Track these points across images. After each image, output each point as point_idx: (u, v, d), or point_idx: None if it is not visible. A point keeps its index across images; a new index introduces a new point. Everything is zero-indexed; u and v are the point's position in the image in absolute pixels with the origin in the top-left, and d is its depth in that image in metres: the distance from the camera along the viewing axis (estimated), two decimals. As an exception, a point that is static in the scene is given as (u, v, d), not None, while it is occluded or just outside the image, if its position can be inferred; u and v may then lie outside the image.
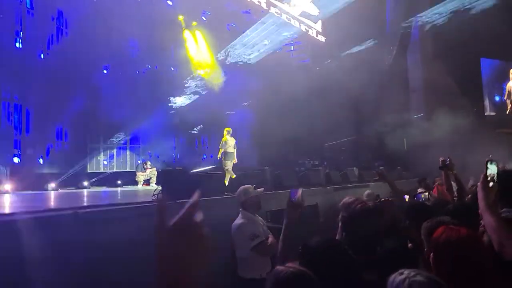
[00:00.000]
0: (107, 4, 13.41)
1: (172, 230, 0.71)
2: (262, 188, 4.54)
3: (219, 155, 10.68)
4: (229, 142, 10.65)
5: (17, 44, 12.93)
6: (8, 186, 9.66)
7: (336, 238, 2.09)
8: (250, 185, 4.36)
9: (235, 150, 10.75)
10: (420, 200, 5.51)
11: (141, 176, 12.15)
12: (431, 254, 1.76)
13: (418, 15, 18.53)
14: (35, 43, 13.51)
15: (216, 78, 17.76)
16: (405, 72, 19.12)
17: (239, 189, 4.36)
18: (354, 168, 12.55)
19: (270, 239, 3.98)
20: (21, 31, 13.05)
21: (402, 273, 1.41)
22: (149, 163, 12.63)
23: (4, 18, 12.40)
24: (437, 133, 13.58)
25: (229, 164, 10.39)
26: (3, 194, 9.29)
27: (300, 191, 2.09)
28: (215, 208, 6.33)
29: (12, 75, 12.40)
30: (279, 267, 1.62)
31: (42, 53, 13.79)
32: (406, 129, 15.22)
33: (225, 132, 10.78)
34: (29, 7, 13.30)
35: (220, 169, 10.34)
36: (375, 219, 1.81)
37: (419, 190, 6.91)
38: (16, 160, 12.59)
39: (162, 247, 0.71)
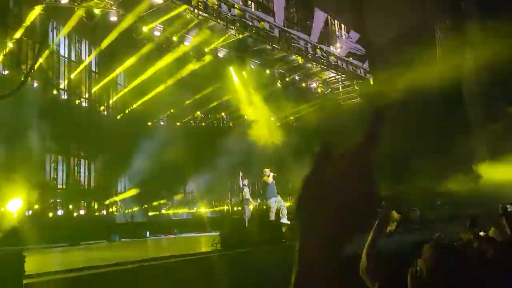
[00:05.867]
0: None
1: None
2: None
3: None
4: None
5: (83, 104, 13.94)
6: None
7: None
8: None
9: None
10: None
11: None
12: None
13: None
14: (99, 101, 14.56)
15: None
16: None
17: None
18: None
19: None
20: (86, 91, 14.11)
21: None
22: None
23: (74, 82, 13.53)
24: None
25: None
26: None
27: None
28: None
29: (79, 132, 13.25)
30: None
31: (105, 109, 14.79)
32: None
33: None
34: (94, 70, 14.48)
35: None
36: None
37: None
38: (82, 212, 13.15)
39: None
